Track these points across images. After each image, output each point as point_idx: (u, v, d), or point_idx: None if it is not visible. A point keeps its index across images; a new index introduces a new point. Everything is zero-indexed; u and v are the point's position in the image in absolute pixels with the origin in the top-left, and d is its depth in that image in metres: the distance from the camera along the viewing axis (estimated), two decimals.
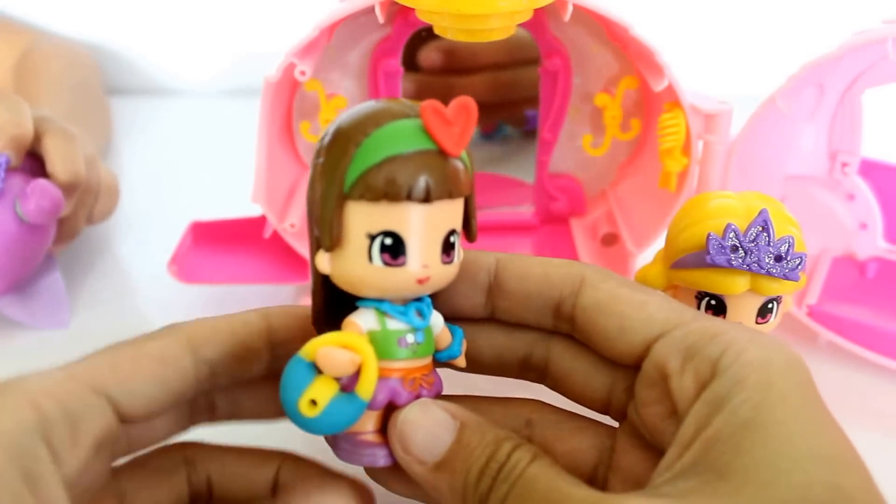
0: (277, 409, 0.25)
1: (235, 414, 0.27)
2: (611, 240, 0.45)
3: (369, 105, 0.24)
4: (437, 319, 0.26)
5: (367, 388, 0.23)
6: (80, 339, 0.35)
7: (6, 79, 0.59)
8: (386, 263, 0.23)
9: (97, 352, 0.24)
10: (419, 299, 0.25)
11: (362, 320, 0.24)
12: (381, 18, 0.35)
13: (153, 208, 0.53)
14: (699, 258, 0.28)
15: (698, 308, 0.30)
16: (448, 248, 0.24)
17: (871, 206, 0.42)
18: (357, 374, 0.23)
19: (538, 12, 0.36)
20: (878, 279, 0.42)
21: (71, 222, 0.43)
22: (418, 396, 0.24)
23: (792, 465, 0.20)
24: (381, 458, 0.25)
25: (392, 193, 0.22)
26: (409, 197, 0.22)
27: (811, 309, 0.40)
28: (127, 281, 0.47)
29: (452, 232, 0.24)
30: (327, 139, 0.24)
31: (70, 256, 0.47)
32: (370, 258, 0.23)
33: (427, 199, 0.23)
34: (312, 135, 0.42)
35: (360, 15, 0.36)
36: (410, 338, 0.24)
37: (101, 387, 0.22)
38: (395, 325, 0.24)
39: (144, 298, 0.45)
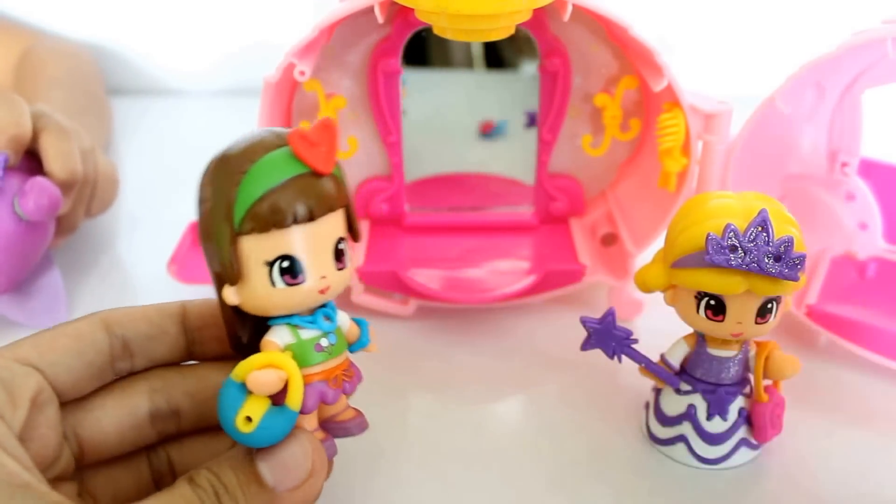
0: None
1: (202, 420, 0.29)
2: (610, 240, 0.45)
3: (242, 141, 0.25)
4: (343, 318, 0.28)
5: (295, 399, 0.25)
6: None
7: (7, 79, 0.59)
8: (287, 284, 0.25)
9: (20, 339, 0.26)
10: (324, 305, 0.27)
11: (278, 338, 0.26)
12: (380, 18, 0.36)
13: (153, 208, 0.53)
14: (698, 258, 0.28)
15: (697, 308, 0.30)
16: (339, 255, 0.26)
17: (870, 206, 0.42)
18: (285, 388, 0.25)
19: (538, 12, 0.36)
20: (877, 279, 0.42)
21: (70, 216, 0.43)
22: (343, 391, 0.27)
23: None
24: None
25: (278, 221, 0.24)
26: (294, 221, 0.25)
27: (811, 309, 0.40)
28: (127, 281, 0.47)
29: (340, 240, 0.26)
30: (207, 179, 0.25)
31: (70, 256, 0.47)
32: (272, 283, 0.25)
33: (311, 218, 0.25)
34: None
35: (360, 15, 0.36)
36: (324, 342, 0.27)
37: (25, 359, 0.25)
38: (307, 334, 0.26)
39: (144, 298, 0.45)
